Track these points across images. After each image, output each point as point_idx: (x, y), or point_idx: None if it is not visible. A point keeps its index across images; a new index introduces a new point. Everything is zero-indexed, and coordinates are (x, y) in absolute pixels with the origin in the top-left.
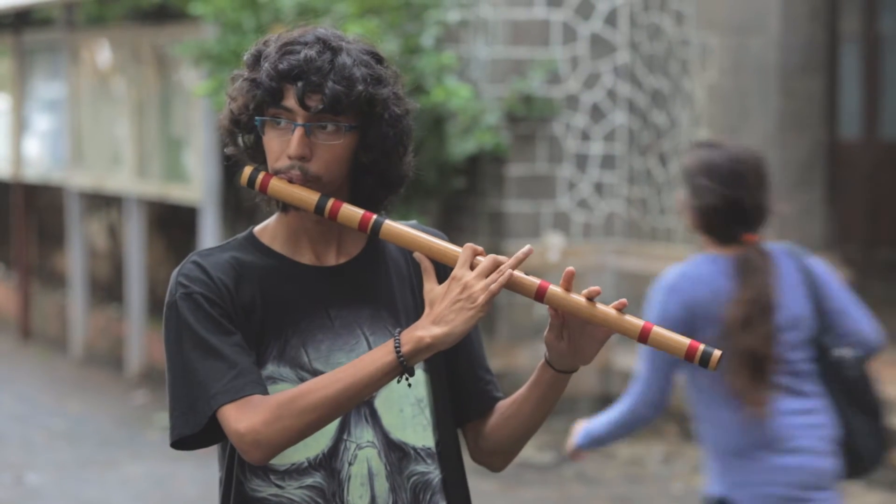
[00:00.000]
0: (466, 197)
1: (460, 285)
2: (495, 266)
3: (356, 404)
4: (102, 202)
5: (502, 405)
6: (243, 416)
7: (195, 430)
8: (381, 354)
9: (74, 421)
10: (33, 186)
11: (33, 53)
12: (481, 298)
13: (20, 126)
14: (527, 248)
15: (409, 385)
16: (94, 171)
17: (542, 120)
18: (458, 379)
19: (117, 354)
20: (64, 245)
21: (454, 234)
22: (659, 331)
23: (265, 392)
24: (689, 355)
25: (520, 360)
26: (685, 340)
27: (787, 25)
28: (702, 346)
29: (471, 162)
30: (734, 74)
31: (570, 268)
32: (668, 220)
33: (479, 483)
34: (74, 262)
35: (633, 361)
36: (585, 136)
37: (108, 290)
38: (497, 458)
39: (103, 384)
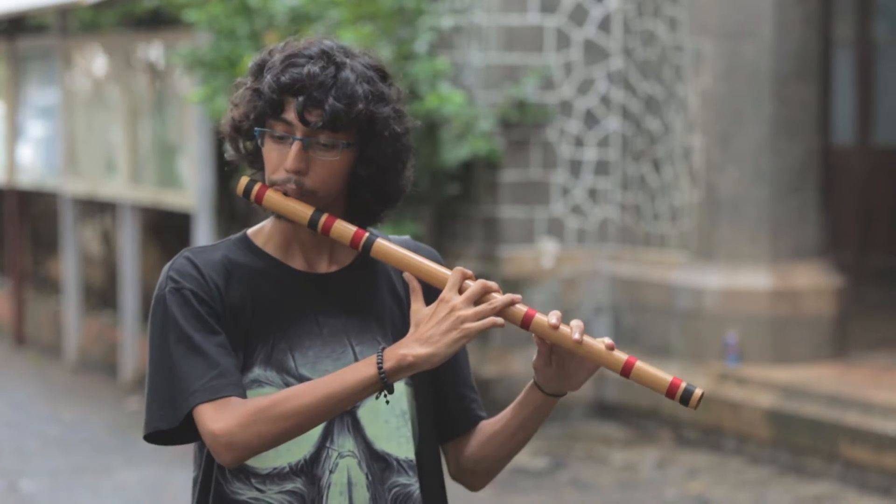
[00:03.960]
0: (460, 203)
1: (448, 308)
2: (484, 292)
3: (335, 415)
4: (96, 209)
5: (485, 424)
6: (219, 417)
7: (172, 425)
8: (362, 368)
9: (68, 427)
10: (27, 193)
11: (27, 60)
12: (473, 326)
13: (14, 133)
14: (517, 297)
15: (388, 402)
16: (87, 177)
17: (535, 126)
18: (442, 396)
19: (111, 361)
20: (58, 251)
21: (448, 240)
22: (641, 366)
23: (244, 395)
24: (671, 393)
25: (514, 366)
26: (667, 377)
27: (781, 31)
28: (683, 384)
29: (464, 168)
30: (727, 80)
31: (557, 312)
32: (661, 225)
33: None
34: (68, 269)
35: None
36: (579, 142)
37: (101, 296)
38: (476, 478)
39: (97, 390)
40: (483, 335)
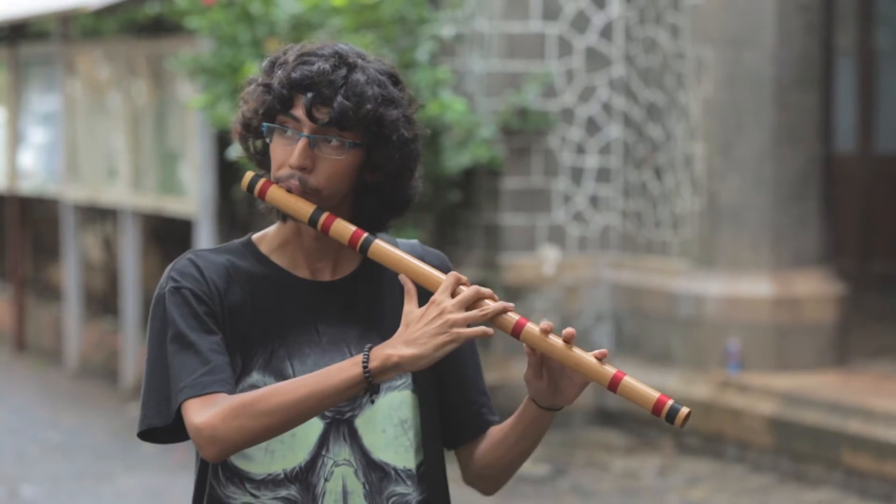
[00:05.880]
0: (462, 210)
1: (438, 310)
2: (477, 298)
3: (318, 412)
4: (97, 215)
5: (494, 430)
6: (203, 411)
7: (166, 422)
8: (347, 366)
9: (69, 433)
10: (28, 199)
11: (29, 66)
12: (462, 333)
13: (15, 139)
14: (510, 305)
15: (373, 402)
16: (89, 183)
17: (537, 133)
18: (451, 402)
19: (112, 367)
20: (59, 258)
21: (449, 247)
22: (629, 381)
23: (232, 392)
24: (657, 410)
25: (515, 372)
26: (654, 394)
27: (783, 39)
28: (670, 402)
29: (466, 175)
30: (729, 88)
31: (548, 321)
32: (663, 233)
33: (474, 497)
34: (69, 275)
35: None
36: (581, 150)
37: (102, 302)
38: (485, 483)
39: (98, 397)
40: (483, 342)
